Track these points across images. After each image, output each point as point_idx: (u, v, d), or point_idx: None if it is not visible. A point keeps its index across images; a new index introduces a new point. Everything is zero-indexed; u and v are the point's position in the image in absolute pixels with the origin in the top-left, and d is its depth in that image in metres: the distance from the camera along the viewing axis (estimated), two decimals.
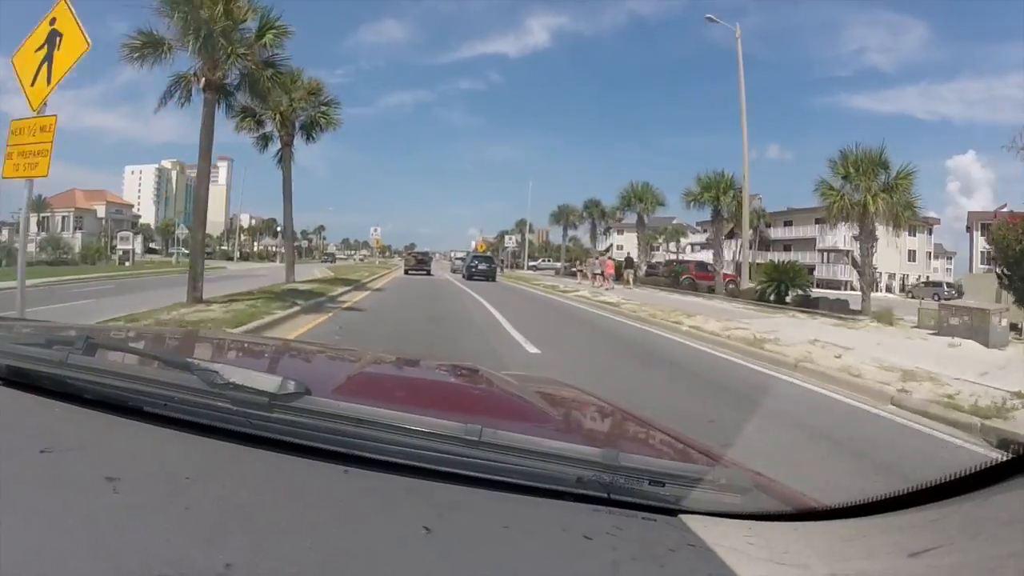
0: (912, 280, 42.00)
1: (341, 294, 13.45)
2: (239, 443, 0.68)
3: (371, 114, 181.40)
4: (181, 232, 41.01)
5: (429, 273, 29.06)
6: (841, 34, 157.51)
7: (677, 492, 0.62)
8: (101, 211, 53.71)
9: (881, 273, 41.43)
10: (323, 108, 16.21)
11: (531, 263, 53.69)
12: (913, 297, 31.89)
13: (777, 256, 34.87)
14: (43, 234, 39.96)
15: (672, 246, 55.20)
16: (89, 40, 5.11)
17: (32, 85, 5.15)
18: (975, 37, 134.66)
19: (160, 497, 0.56)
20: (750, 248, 26.72)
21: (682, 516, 0.61)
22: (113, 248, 36.70)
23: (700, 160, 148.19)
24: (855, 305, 14.78)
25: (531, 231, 60.95)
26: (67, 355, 0.79)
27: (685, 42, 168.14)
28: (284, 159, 16.42)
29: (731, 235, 27.42)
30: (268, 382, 0.66)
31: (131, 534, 0.49)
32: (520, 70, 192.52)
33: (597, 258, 27.97)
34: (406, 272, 29.39)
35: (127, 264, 32.77)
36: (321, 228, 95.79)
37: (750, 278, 19.51)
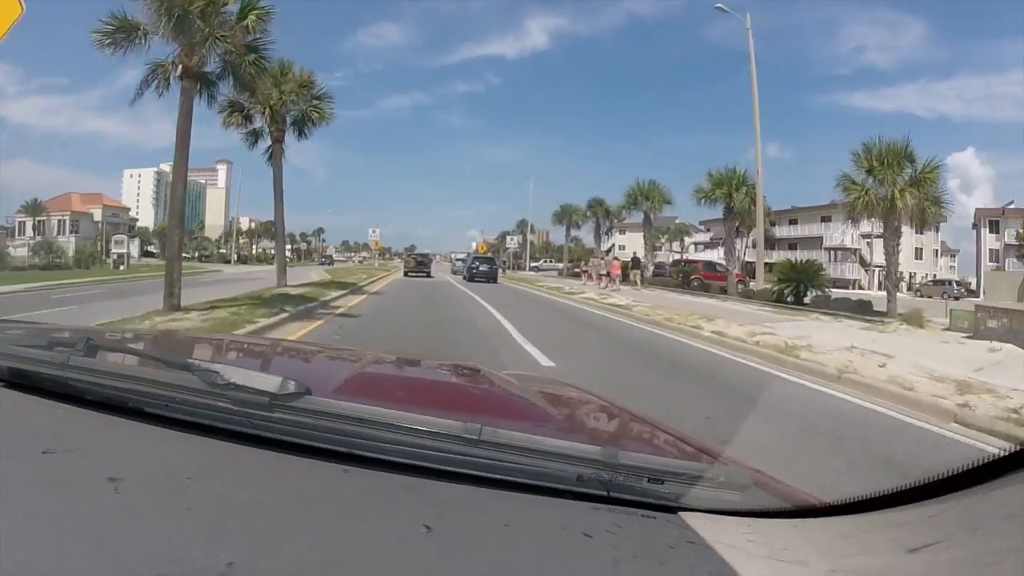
0: (919, 278, 41.35)
1: (335, 298, 12.63)
2: (240, 443, 0.68)
3: (370, 116, 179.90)
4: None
5: (429, 275, 28.69)
6: (839, 33, 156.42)
7: (676, 490, 0.62)
8: (98, 215, 53.10)
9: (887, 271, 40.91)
10: (315, 102, 15.35)
11: (533, 264, 53.31)
12: (922, 295, 31.36)
13: (781, 255, 34.20)
14: (38, 238, 39.49)
15: (675, 246, 54.79)
16: (23, 5, 4.37)
17: None
18: (974, 35, 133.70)
19: (161, 497, 0.56)
20: (755, 247, 25.81)
21: (682, 514, 0.61)
22: (108, 252, 36.31)
23: (700, 160, 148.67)
24: (879, 306, 14.06)
25: (532, 232, 60.51)
26: (68, 356, 0.79)
27: (685, 42, 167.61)
28: (274, 156, 15.59)
29: (736, 234, 26.75)
30: (269, 382, 0.67)
31: (132, 534, 0.49)
32: (519, 71, 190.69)
33: (602, 258, 27.22)
34: (406, 274, 28.92)
35: (122, 268, 32.45)
36: (320, 230, 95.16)
37: (763, 278, 18.79)
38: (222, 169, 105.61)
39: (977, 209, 42.60)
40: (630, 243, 46.31)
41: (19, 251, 35.17)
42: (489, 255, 33.60)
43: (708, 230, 51.21)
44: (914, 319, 11.67)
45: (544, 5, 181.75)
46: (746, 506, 0.62)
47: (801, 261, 16.67)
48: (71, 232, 47.40)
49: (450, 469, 0.62)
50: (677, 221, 53.22)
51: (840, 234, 41.39)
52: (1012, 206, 40.02)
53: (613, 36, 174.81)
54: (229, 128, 14.87)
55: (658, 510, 0.61)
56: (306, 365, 1.37)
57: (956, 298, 21.21)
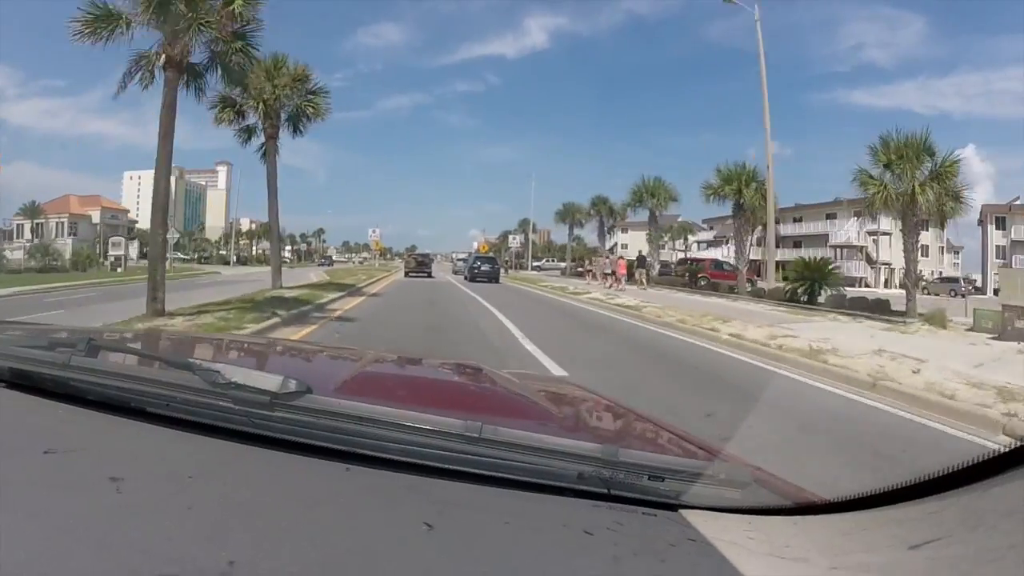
0: (926, 276, 40.87)
1: (332, 301, 12.10)
2: (241, 442, 0.68)
3: (370, 117, 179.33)
4: (172, 236, 40.04)
5: (430, 275, 28.33)
6: (838, 30, 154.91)
7: (677, 487, 0.62)
8: (96, 217, 52.67)
9: (893, 269, 40.35)
10: (310, 97, 14.76)
11: (535, 263, 52.85)
12: (929, 293, 30.82)
13: (786, 253, 33.71)
14: (36, 240, 39.10)
15: (679, 244, 54.31)
16: None
17: None
18: (972, 31, 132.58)
19: (163, 496, 0.56)
20: (760, 245, 25.26)
21: (682, 511, 0.61)
22: (106, 254, 35.97)
23: (700, 159, 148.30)
24: (896, 305, 13.51)
25: (534, 231, 60.06)
26: (70, 357, 0.79)
27: (685, 40, 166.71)
28: (268, 153, 15.00)
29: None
30: (270, 381, 0.66)
31: (134, 533, 0.49)
32: (519, 71, 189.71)
33: (607, 257, 26.66)
34: (406, 275, 28.55)
35: (119, 270, 32.13)
36: (321, 231, 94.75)
37: (775, 277, 18.27)
38: (222, 170, 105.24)
39: (983, 205, 41.98)
40: (632, 242, 45.89)
41: (15, 254, 34.80)
42: (491, 255, 33.21)
43: (711, 228, 50.73)
44: (936, 319, 11.16)
45: (544, 5, 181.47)
46: (747, 503, 0.62)
47: (814, 259, 16.09)
48: (69, 234, 47.01)
49: (451, 467, 0.62)
50: (680, 219, 52.73)
51: (846, 231, 40.87)
52: (1018, 202, 39.48)
53: (613, 35, 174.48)
54: (221, 125, 14.31)
55: (659, 507, 0.61)
56: (307, 364, 1.38)
57: (964, 295, 20.74)
